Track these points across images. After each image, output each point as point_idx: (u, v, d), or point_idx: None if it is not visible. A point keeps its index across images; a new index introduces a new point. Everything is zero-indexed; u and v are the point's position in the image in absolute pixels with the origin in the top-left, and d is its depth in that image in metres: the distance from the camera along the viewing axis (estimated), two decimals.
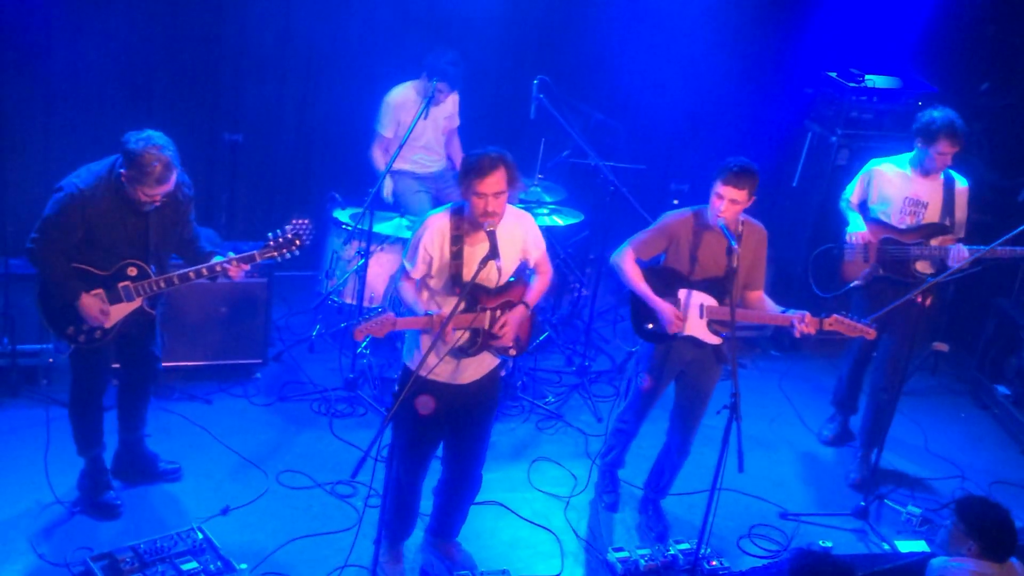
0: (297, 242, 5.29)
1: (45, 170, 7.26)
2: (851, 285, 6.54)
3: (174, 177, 5.06)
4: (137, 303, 5.28)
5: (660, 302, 5.45)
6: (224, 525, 5.65)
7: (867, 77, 7.85)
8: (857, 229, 6.52)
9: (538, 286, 5.17)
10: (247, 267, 5.34)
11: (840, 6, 8.29)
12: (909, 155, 6.45)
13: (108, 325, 5.27)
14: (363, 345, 7.06)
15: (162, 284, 5.24)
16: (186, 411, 6.63)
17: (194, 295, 6.67)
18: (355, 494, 6.01)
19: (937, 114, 6.23)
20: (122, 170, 5.02)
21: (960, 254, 6.21)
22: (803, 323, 5.37)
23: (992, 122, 8.14)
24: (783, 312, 5.47)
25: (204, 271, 5.26)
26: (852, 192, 6.65)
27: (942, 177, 6.41)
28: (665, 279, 5.52)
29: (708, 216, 5.39)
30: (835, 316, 5.47)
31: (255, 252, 5.27)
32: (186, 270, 5.27)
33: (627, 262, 5.51)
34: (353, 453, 6.30)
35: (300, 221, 5.32)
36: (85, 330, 5.25)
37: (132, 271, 5.22)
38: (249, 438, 6.46)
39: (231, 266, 5.26)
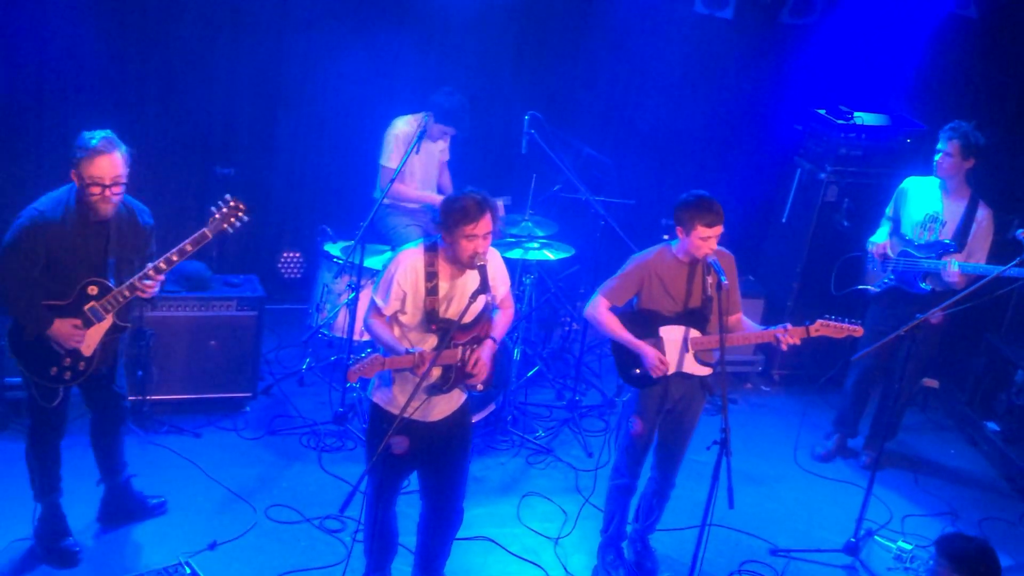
0: (242, 207, 5.13)
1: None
2: (862, 287, 6.86)
3: (118, 155, 4.98)
4: (109, 321, 5.18)
5: (642, 346, 5.38)
6: (212, 560, 5.61)
7: (856, 114, 7.90)
8: (878, 240, 6.88)
9: (502, 322, 5.19)
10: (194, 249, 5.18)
11: (829, 44, 8.37)
12: None
13: (88, 352, 5.20)
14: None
15: (126, 293, 5.12)
16: (174, 444, 6.60)
17: (183, 328, 6.68)
18: (343, 529, 5.97)
19: (949, 124, 6.63)
20: (73, 171, 4.97)
21: (950, 270, 6.48)
22: (786, 335, 5.44)
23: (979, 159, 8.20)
24: (765, 329, 5.54)
25: (162, 264, 5.09)
26: (890, 206, 6.97)
27: (967, 199, 6.68)
28: (643, 321, 5.44)
29: (677, 253, 5.38)
30: (819, 321, 5.53)
31: (205, 229, 5.11)
32: (145, 269, 5.12)
33: (602, 311, 5.43)
34: (342, 487, 6.27)
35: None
36: (68, 366, 5.19)
37: (92, 290, 5.11)
38: (237, 472, 6.43)
39: (188, 249, 5.10)
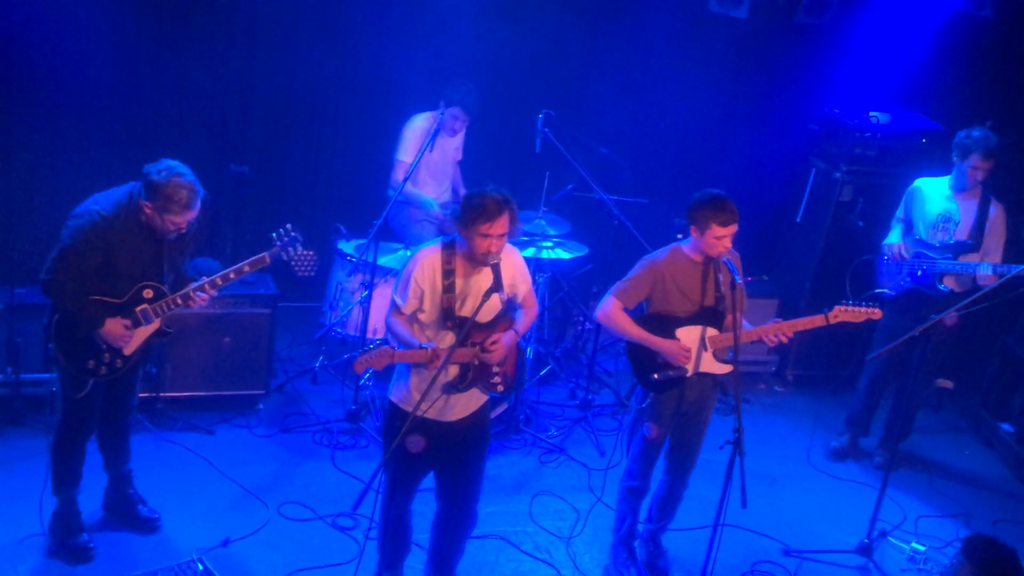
0: (299, 241, 5.28)
1: (52, 200, 7.32)
2: (879, 292, 6.80)
3: (199, 202, 5.07)
4: (156, 325, 5.27)
5: (661, 341, 5.34)
6: (225, 557, 5.63)
7: (871, 114, 7.88)
8: (892, 241, 6.87)
9: (525, 320, 5.18)
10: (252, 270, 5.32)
11: (844, 44, 8.35)
12: (949, 176, 6.72)
13: (128, 352, 5.26)
14: (365, 377, 7.06)
15: (179, 301, 5.22)
16: (188, 441, 6.62)
17: (197, 326, 6.69)
18: (356, 526, 5.98)
19: (976, 132, 6.55)
20: (147, 202, 5.00)
21: (985, 274, 6.46)
22: (778, 335, 5.43)
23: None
24: (763, 326, 5.53)
25: (219, 280, 5.23)
26: (900, 208, 6.95)
27: (979, 198, 6.63)
28: (658, 324, 5.39)
29: (690, 252, 5.35)
30: (837, 307, 5.52)
31: (265, 254, 5.26)
32: (201, 281, 5.24)
33: (615, 312, 5.38)
34: (354, 485, 6.29)
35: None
36: (106, 361, 5.23)
37: (148, 293, 5.19)
38: (251, 469, 6.44)
39: (246, 269, 5.25)
